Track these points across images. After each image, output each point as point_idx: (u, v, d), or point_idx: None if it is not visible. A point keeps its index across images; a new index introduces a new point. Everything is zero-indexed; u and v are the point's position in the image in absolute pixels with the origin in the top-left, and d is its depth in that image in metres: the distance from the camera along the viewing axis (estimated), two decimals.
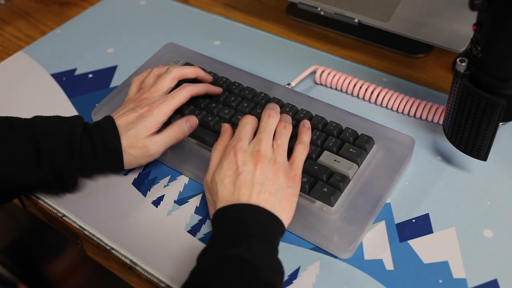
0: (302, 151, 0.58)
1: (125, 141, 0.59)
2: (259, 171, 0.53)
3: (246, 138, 0.57)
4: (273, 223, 0.52)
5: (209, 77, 0.69)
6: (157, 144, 0.60)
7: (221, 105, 0.67)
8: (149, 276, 0.55)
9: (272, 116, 0.59)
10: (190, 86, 0.64)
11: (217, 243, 0.50)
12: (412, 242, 0.56)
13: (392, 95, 0.69)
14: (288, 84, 0.73)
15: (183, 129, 0.62)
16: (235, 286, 0.45)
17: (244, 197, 0.52)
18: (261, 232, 0.50)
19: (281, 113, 0.63)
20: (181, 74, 0.66)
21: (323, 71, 0.73)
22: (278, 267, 0.49)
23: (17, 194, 0.61)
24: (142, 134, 0.59)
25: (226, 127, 0.62)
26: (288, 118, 0.61)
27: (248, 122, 0.59)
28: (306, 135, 0.60)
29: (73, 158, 0.57)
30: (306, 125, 0.62)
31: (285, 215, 0.53)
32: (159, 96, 0.63)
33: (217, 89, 0.68)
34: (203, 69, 0.71)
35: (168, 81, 0.64)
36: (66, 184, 0.59)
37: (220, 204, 0.53)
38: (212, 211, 0.54)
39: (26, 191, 0.60)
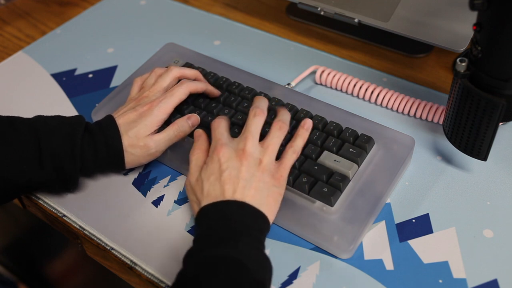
0: (291, 155, 0.57)
1: (126, 141, 0.59)
2: (245, 167, 0.53)
3: (224, 136, 0.57)
4: (259, 220, 0.51)
5: (207, 83, 0.68)
6: (158, 143, 0.60)
7: (221, 105, 0.67)
8: (149, 276, 0.55)
9: (258, 115, 0.58)
10: (189, 82, 0.64)
11: (204, 242, 0.49)
12: (412, 242, 0.56)
13: (392, 95, 0.69)
14: (288, 84, 0.73)
15: (183, 127, 0.62)
16: (224, 285, 0.45)
17: (229, 193, 0.52)
18: (248, 229, 0.50)
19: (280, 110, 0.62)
20: (181, 73, 0.66)
21: (323, 71, 0.73)
22: (266, 263, 0.49)
23: (18, 194, 0.61)
24: (143, 133, 0.59)
25: (199, 132, 0.61)
26: (286, 118, 0.60)
27: (218, 126, 0.58)
28: (300, 139, 0.59)
29: (74, 158, 0.57)
30: (305, 126, 0.60)
31: (270, 212, 0.53)
32: (159, 94, 0.63)
33: (215, 91, 0.67)
34: (204, 70, 0.71)
35: (168, 80, 0.65)
36: (67, 184, 0.59)
37: (205, 202, 0.52)
38: (196, 210, 0.54)
39: (27, 191, 0.60)
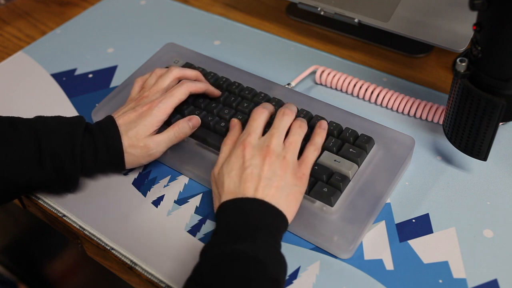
0: (312, 152, 0.57)
1: (126, 141, 0.59)
2: (267, 166, 0.53)
3: (256, 133, 0.57)
4: (278, 218, 0.52)
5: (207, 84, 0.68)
6: (158, 144, 0.60)
7: (221, 105, 0.67)
8: (149, 276, 0.55)
9: (287, 114, 0.59)
10: (189, 82, 0.64)
11: (222, 238, 0.50)
12: (412, 242, 0.56)
13: (392, 95, 0.69)
14: (288, 84, 0.73)
15: (184, 129, 0.62)
16: (240, 281, 0.45)
17: (250, 191, 0.52)
18: (266, 227, 0.50)
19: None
20: (182, 74, 0.66)
21: (323, 71, 0.73)
22: (282, 262, 0.49)
23: (18, 194, 0.61)
24: (143, 133, 0.59)
25: (235, 122, 0.61)
26: (303, 119, 0.60)
27: (259, 117, 0.58)
28: (319, 137, 0.59)
29: (74, 158, 0.57)
30: (322, 126, 0.61)
31: (290, 211, 0.53)
32: (158, 95, 0.63)
33: (216, 91, 0.67)
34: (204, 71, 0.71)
35: (169, 80, 0.64)
36: (67, 185, 0.59)
37: (225, 197, 0.53)
38: (216, 204, 0.54)
39: (27, 191, 0.60)
